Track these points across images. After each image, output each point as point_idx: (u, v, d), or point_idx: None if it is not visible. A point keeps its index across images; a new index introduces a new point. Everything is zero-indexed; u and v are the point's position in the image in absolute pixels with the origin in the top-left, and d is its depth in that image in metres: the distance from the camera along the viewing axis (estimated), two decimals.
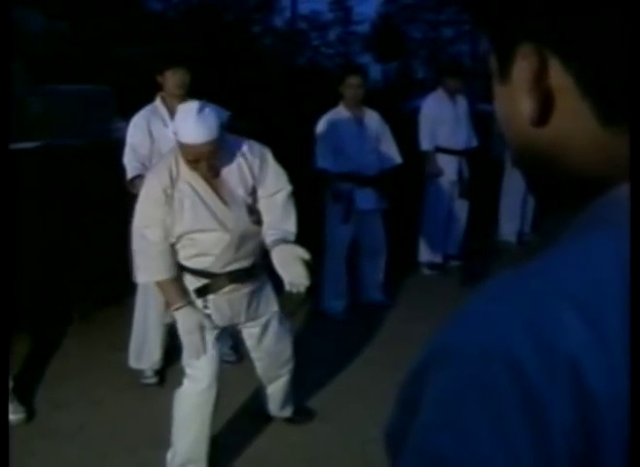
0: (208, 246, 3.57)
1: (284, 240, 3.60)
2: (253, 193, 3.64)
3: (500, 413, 0.58)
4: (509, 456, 0.57)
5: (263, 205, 3.67)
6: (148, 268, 3.62)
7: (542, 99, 0.69)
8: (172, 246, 3.59)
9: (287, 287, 3.54)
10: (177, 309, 3.59)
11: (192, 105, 3.37)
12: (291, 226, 3.70)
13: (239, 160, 3.62)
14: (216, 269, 3.62)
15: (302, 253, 3.50)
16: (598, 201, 0.68)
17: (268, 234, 3.64)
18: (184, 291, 3.65)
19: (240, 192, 3.60)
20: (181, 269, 3.66)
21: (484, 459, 0.58)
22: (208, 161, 3.41)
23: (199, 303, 3.65)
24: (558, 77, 0.68)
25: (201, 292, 3.65)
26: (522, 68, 0.70)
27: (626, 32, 0.63)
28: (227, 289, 3.65)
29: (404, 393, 0.68)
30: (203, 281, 3.64)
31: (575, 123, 0.69)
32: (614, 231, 0.64)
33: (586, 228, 0.68)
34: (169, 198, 3.49)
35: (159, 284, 3.69)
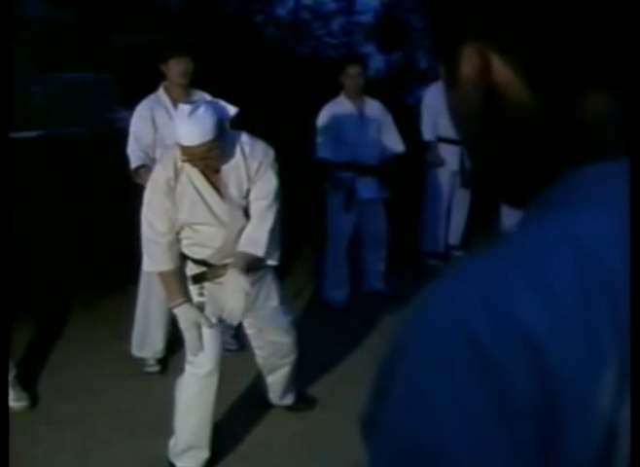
0: (206, 239, 3.61)
1: (247, 254, 3.58)
2: (247, 195, 3.65)
3: (461, 388, 0.60)
4: (473, 431, 0.60)
5: (251, 208, 3.68)
6: (154, 257, 3.67)
7: (488, 93, 0.74)
8: (177, 234, 3.62)
9: (223, 316, 3.55)
10: (176, 306, 3.62)
11: (186, 107, 3.40)
12: (260, 236, 3.61)
13: (239, 159, 3.61)
14: (214, 261, 3.64)
15: (245, 285, 3.46)
16: (551, 186, 0.72)
17: (240, 242, 3.63)
18: (185, 288, 3.69)
19: (235, 192, 3.61)
20: (182, 256, 3.71)
21: (449, 433, 0.60)
22: (204, 161, 3.45)
23: (195, 289, 3.67)
24: (500, 71, 0.73)
25: (197, 279, 3.67)
26: (467, 68, 0.75)
27: (557, 24, 0.69)
28: (223, 279, 3.66)
29: (377, 380, 0.70)
30: (201, 269, 3.66)
31: (522, 113, 0.73)
32: (568, 211, 0.68)
33: (543, 210, 0.72)
34: (172, 190, 3.54)
35: (161, 276, 3.72)
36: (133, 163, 4.68)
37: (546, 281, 0.62)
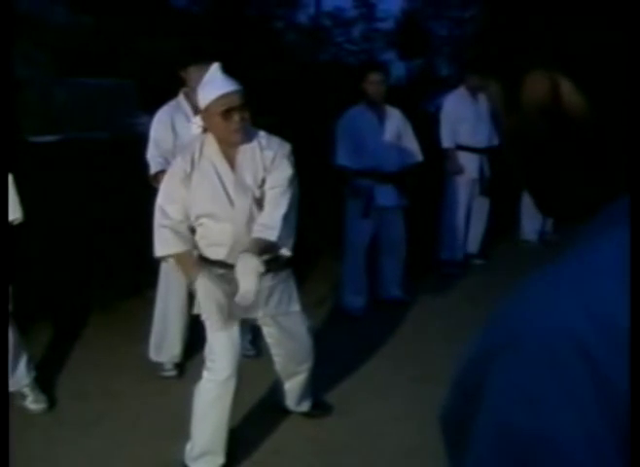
0: (219, 235, 3.63)
1: (261, 239, 3.53)
2: (262, 185, 3.67)
3: (570, 386, 0.63)
4: (584, 426, 0.62)
5: (266, 197, 3.68)
6: (165, 241, 3.70)
7: (557, 118, 0.75)
8: (192, 231, 3.68)
9: (236, 299, 3.45)
10: (195, 281, 3.66)
11: (215, 66, 3.55)
12: (273, 221, 3.57)
13: (255, 150, 3.65)
14: (231, 260, 3.64)
15: (258, 266, 3.36)
16: (619, 200, 0.73)
17: (254, 229, 3.61)
18: (200, 265, 3.73)
19: (250, 182, 3.63)
20: (200, 259, 3.74)
21: (562, 433, 0.63)
22: (240, 113, 3.48)
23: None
24: (571, 96, 0.74)
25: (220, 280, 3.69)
26: (534, 93, 0.76)
27: (626, 50, 0.70)
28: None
29: (464, 379, 0.72)
30: (219, 272, 3.67)
31: (591, 136, 0.74)
32: (623, 229, 0.70)
33: (610, 221, 0.73)
34: (189, 179, 3.59)
35: (176, 258, 3.77)
36: (153, 169, 4.70)
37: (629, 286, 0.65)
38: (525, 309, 0.69)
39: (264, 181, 3.65)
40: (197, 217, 3.65)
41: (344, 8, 31.56)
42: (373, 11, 33.11)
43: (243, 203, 3.60)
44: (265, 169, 3.64)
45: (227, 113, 3.46)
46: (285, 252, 3.70)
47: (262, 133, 3.72)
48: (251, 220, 3.60)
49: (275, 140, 3.72)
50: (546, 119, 0.76)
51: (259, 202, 3.64)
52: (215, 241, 3.66)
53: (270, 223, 3.57)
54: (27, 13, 7.64)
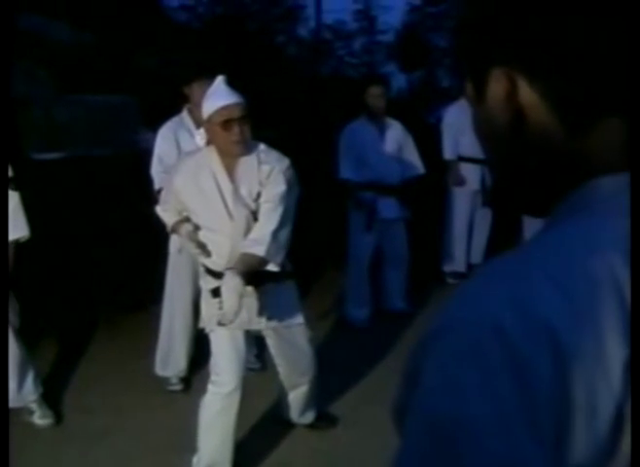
0: (218, 246, 3.69)
1: (248, 254, 3.54)
2: (257, 199, 3.68)
3: (490, 374, 0.67)
4: (500, 414, 0.66)
5: (259, 212, 3.70)
6: (169, 218, 3.94)
7: (514, 114, 0.80)
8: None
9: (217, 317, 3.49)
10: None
11: (220, 78, 3.61)
12: (262, 236, 3.56)
13: (254, 164, 3.68)
14: None
15: (239, 286, 3.36)
16: (572, 195, 0.79)
17: (242, 244, 3.62)
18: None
19: (245, 193, 3.65)
20: (203, 267, 3.82)
21: (479, 416, 0.66)
22: (240, 125, 3.52)
23: (215, 303, 3.69)
24: (526, 94, 0.79)
25: (216, 292, 3.70)
26: (495, 90, 0.81)
27: (577, 52, 0.75)
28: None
29: (407, 368, 0.76)
30: (219, 282, 3.70)
31: (545, 134, 0.80)
32: (585, 218, 0.76)
33: (564, 216, 0.79)
34: (186, 188, 3.66)
35: (174, 229, 3.94)
36: (157, 185, 4.72)
37: (566, 281, 0.69)
38: (458, 300, 0.75)
39: (259, 195, 3.67)
40: (197, 227, 3.73)
41: (345, 21, 31.59)
42: (374, 23, 33.14)
43: (240, 216, 3.64)
44: (260, 183, 3.66)
45: (227, 124, 3.51)
46: (272, 267, 3.69)
47: (262, 147, 3.75)
48: (247, 233, 3.63)
49: (274, 155, 3.75)
50: (505, 114, 0.81)
51: (255, 216, 3.67)
52: (215, 252, 3.70)
53: (260, 238, 3.57)
54: (28, 30, 7.67)
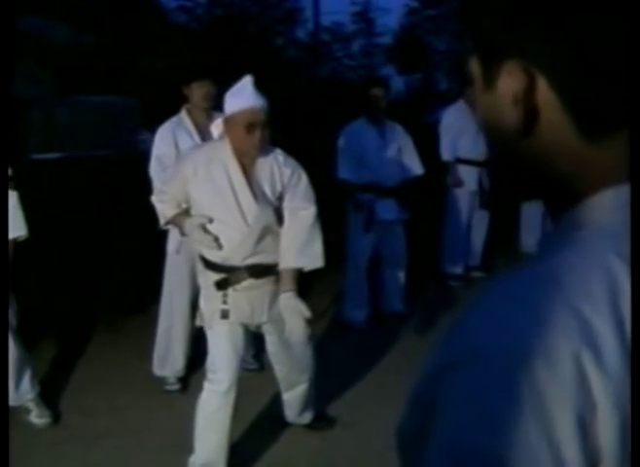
0: (224, 237, 3.68)
1: (295, 270, 3.74)
2: (279, 198, 3.74)
3: (523, 405, 0.63)
4: (530, 446, 0.63)
5: (287, 216, 3.76)
6: (162, 212, 3.91)
7: (527, 113, 0.75)
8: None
9: (285, 333, 3.74)
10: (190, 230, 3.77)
11: (248, 78, 3.62)
12: (317, 249, 3.79)
13: (273, 165, 3.73)
14: (236, 262, 3.69)
15: (304, 311, 3.63)
16: (582, 207, 0.75)
17: (290, 255, 3.73)
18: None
19: (267, 191, 3.70)
20: (203, 262, 3.80)
21: (514, 452, 0.63)
22: (262, 131, 3.55)
23: (219, 297, 3.72)
24: (544, 94, 0.74)
25: (221, 285, 3.72)
26: (509, 83, 0.76)
27: (608, 55, 0.71)
28: (246, 284, 3.72)
29: (420, 393, 0.72)
30: (223, 275, 3.72)
31: (558, 136, 0.75)
32: (597, 237, 0.72)
33: (572, 232, 0.75)
34: (196, 177, 3.66)
35: (175, 220, 3.90)
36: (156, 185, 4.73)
37: (580, 303, 0.67)
38: (481, 324, 0.70)
39: (281, 194, 3.73)
40: (199, 216, 3.71)
41: (343, 23, 31.60)
42: (372, 26, 33.16)
43: (261, 215, 3.66)
44: (282, 185, 3.73)
45: (250, 126, 3.53)
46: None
47: (277, 150, 3.80)
48: (266, 231, 3.67)
49: (291, 160, 3.81)
50: (517, 109, 0.76)
51: (277, 215, 3.72)
52: (221, 241, 3.70)
53: (316, 251, 3.79)
54: (29, 32, 7.69)
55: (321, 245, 3.81)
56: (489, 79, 0.79)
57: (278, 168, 3.73)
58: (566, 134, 0.75)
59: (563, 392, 0.63)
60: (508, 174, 0.84)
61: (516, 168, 0.81)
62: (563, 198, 0.77)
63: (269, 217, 3.68)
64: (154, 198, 3.93)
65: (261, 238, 3.67)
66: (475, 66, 0.82)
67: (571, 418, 0.63)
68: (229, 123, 3.62)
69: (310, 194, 3.81)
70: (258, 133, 3.54)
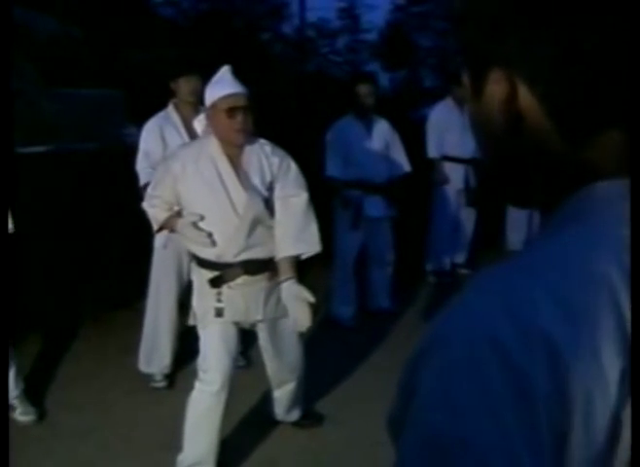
0: (220, 231, 3.65)
1: (293, 256, 3.72)
2: (270, 189, 3.72)
3: (487, 389, 0.65)
4: (498, 428, 0.64)
5: (278, 206, 3.74)
6: (155, 216, 3.87)
7: (512, 117, 0.79)
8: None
9: (291, 323, 3.71)
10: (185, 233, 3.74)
11: (226, 68, 3.68)
12: (313, 235, 3.79)
13: (261, 156, 3.73)
14: (229, 258, 3.66)
15: (308, 296, 3.61)
16: (568, 201, 0.78)
17: (286, 243, 3.71)
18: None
19: (257, 182, 3.69)
20: (196, 261, 3.78)
21: (476, 433, 0.64)
22: (244, 116, 3.57)
23: (213, 295, 3.69)
24: (525, 99, 0.78)
25: (215, 282, 3.69)
26: (494, 91, 0.80)
27: (585, 65, 0.73)
28: (240, 281, 3.70)
29: (402, 381, 0.75)
30: (217, 273, 3.69)
31: (542, 137, 0.79)
32: (581, 226, 0.74)
33: (557, 224, 0.78)
34: (185, 174, 3.64)
35: (168, 224, 3.85)
36: (142, 180, 4.69)
37: (562, 291, 0.68)
38: (452, 312, 0.73)
39: (271, 185, 3.71)
40: (191, 215, 3.68)
41: (329, 19, 31.60)
42: (358, 22, 33.18)
43: (250, 205, 3.64)
44: (272, 175, 3.72)
45: (231, 111, 3.55)
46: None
47: (264, 141, 3.79)
48: (257, 222, 3.65)
49: (278, 150, 3.82)
50: (503, 115, 0.79)
51: (265, 202, 3.70)
52: (213, 236, 3.67)
53: (312, 237, 3.78)
54: (15, 23, 7.63)
55: (317, 230, 3.80)
56: (478, 87, 0.83)
57: (266, 158, 3.72)
58: (549, 137, 0.78)
59: (531, 376, 0.64)
60: (500, 174, 0.88)
61: (508, 168, 0.85)
62: (552, 196, 0.81)
63: (260, 207, 3.66)
64: (145, 205, 3.88)
65: (252, 230, 3.65)
66: (465, 75, 0.86)
67: (539, 403, 0.64)
68: (211, 112, 3.65)
69: (301, 180, 3.81)
70: (240, 118, 3.56)
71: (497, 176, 0.88)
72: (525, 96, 0.77)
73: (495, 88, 0.79)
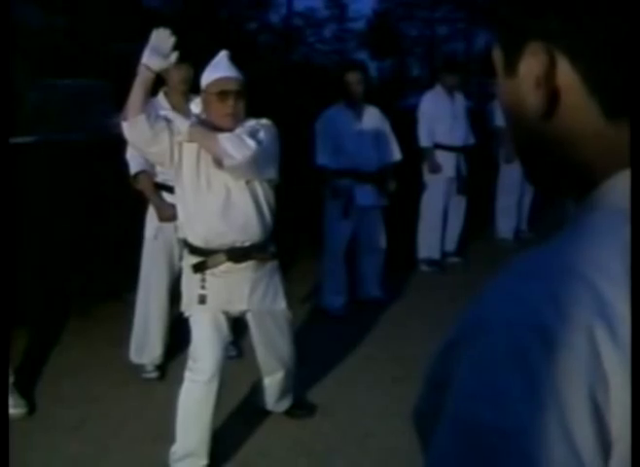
0: (205, 212, 3.60)
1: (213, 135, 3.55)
2: None
3: (534, 380, 0.63)
4: (542, 423, 0.62)
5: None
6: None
7: (548, 95, 0.75)
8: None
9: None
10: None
11: (224, 53, 3.67)
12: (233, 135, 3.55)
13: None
14: (213, 245, 3.63)
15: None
16: (600, 188, 0.75)
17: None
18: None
19: None
20: (188, 247, 3.74)
21: (523, 428, 0.62)
22: (235, 101, 3.56)
23: (197, 282, 3.66)
24: (566, 75, 0.74)
25: (198, 268, 3.66)
26: (531, 65, 0.75)
27: (632, 35, 0.70)
28: (224, 268, 3.66)
29: (434, 371, 0.72)
30: (200, 258, 3.67)
31: (580, 117, 0.75)
32: (613, 215, 0.72)
33: (590, 212, 0.75)
34: (181, 146, 3.60)
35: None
36: (133, 169, 4.65)
37: (598, 281, 0.66)
38: (493, 300, 0.70)
39: None
40: (182, 190, 3.66)
41: (316, 8, 31.62)
42: (345, 11, 33.21)
43: (234, 182, 3.60)
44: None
45: (222, 95, 3.54)
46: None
47: (252, 120, 3.72)
48: (238, 203, 3.61)
49: (264, 120, 3.76)
50: (538, 91, 0.75)
51: (248, 183, 3.64)
52: (200, 223, 3.64)
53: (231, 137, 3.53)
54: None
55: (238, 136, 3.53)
56: (511, 63, 0.79)
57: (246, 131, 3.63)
58: (587, 116, 0.74)
59: (575, 366, 0.62)
60: (531, 160, 0.84)
61: (540, 154, 0.81)
62: (584, 183, 0.77)
63: (242, 192, 3.62)
64: (125, 125, 3.67)
65: (228, 210, 3.60)
66: (496, 52, 0.82)
67: (584, 395, 0.62)
68: (204, 95, 3.65)
69: (255, 127, 3.64)
70: (230, 102, 3.55)
71: (527, 162, 0.85)
72: (566, 72, 0.73)
73: (532, 61, 0.75)
